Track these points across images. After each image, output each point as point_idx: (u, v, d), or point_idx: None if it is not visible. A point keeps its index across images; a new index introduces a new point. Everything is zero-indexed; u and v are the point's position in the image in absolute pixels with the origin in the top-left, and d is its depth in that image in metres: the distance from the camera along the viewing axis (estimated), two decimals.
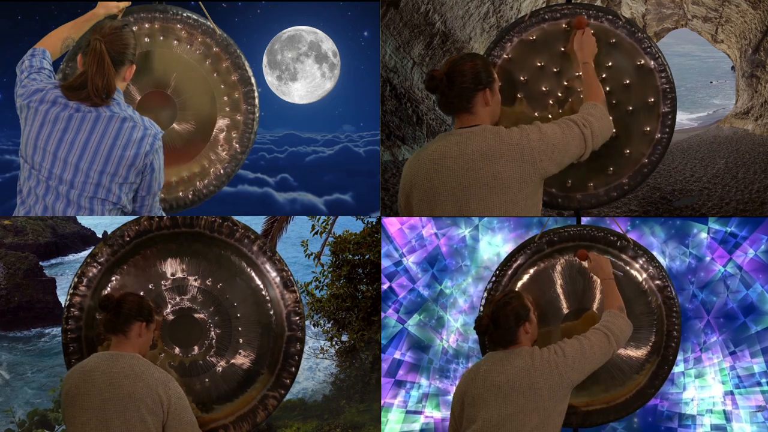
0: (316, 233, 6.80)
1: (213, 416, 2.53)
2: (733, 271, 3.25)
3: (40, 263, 15.68)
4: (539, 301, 2.68)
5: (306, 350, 2.65)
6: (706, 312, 3.28)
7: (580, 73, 2.65)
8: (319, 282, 6.94)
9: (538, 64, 2.71)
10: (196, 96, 2.77)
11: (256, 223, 7.49)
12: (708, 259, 3.26)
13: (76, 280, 2.50)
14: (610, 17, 2.67)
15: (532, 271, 2.74)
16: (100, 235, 18.00)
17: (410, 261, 3.40)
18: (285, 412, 7.80)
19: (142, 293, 2.50)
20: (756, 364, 3.26)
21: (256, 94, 2.80)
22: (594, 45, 2.62)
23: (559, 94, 2.71)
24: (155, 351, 2.51)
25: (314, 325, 7.07)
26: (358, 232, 6.77)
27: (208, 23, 2.75)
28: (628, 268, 2.70)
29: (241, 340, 2.56)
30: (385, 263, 3.41)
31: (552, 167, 2.40)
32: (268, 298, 2.59)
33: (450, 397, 3.32)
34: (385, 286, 3.41)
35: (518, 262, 2.73)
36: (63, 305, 2.53)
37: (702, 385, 3.31)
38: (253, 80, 2.80)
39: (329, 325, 7.02)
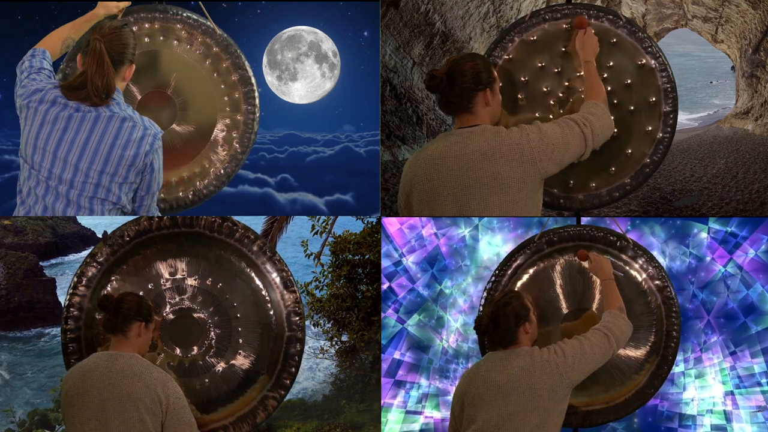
0: (316, 233, 6.80)
1: (213, 417, 2.53)
2: (734, 271, 3.25)
3: (40, 263, 15.68)
4: (539, 301, 2.68)
5: (306, 350, 2.65)
6: (706, 312, 3.28)
7: (581, 73, 2.65)
8: (319, 282, 6.94)
9: (539, 65, 2.71)
10: (196, 96, 2.76)
11: (256, 223, 7.49)
12: (708, 259, 3.26)
13: (75, 280, 2.50)
14: (611, 17, 2.67)
15: (531, 271, 2.73)
16: (100, 235, 18.00)
17: (410, 261, 3.40)
18: (285, 412, 7.79)
19: (141, 293, 2.50)
20: (756, 365, 3.26)
21: (256, 94, 2.80)
22: (596, 44, 2.62)
23: (560, 94, 2.71)
24: (156, 352, 2.51)
25: (314, 325, 7.07)
26: (358, 232, 6.77)
27: (208, 23, 2.74)
28: (627, 268, 2.69)
29: (240, 341, 2.56)
30: (384, 263, 3.41)
31: (552, 167, 2.40)
32: (268, 298, 2.58)
33: (450, 398, 3.32)
34: (384, 286, 3.41)
35: (518, 262, 2.73)
36: (63, 305, 2.53)
37: (702, 385, 3.30)
38: (253, 80, 2.79)
39: (329, 325, 7.02)
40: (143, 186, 2.44)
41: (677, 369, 3.30)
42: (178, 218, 2.56)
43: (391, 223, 3.39)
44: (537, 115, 2.71)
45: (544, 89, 2.71)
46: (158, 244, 2.56)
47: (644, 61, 2.66)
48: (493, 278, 2.74)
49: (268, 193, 5.76)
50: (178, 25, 2.73)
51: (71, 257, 17.82)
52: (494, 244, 3.35)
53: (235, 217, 2.59)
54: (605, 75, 2.67)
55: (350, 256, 6.67)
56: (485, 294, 2.73)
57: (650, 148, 2.68)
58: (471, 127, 2.41)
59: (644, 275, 2.68)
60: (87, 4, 2.64)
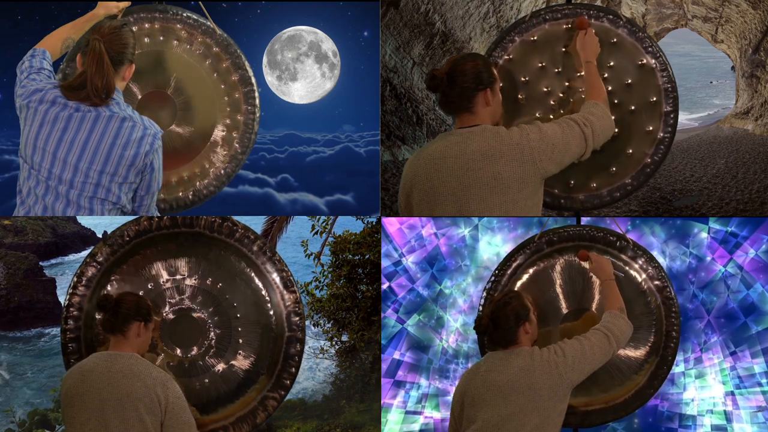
0: (316, 233, 6.80)
1: (213, 417, 2.53)
2: (734, 271, 3.25)
3: (40, 263, 15.68)
4: (538, 301, 2.68)
5: (306, 350, 2.65)
6: (706, 312, 3.28)
7: (582, 73, 2.65)
8: (319, 282, 6.94)
9: (540, 65, 2.71)
10: (197, 96, 2.76)
11: (256, 223, 7.49)
12: (708, 259, 3.26)
13: (75, 280, 2.49)
14: (611, 17, 2.67)
15: (531, 270, 2.73)
16: (100, 235, 18.00)
17: (409, 261, 3.40)
18: (285, 412, 7.79)
19: (141, 293, 2.50)
20: (756, 365, 3.25)
21: (256, 94, 2.79)
22: (597, 45, 2.62)
23: (561, 95, 2.71)
24: (155, 352, 2.51)
25: (314, 325, 7.07)
26: (358, 232, 6.77)
27: (208, 23, 2.74)
28: (627, 268, 2.69)
29: (240, 341, 2.56)
30: (384, 263, 3.41)
31: (552, 167, 2.40)
32: (267, 298, 2.58)
33: (449, 398, 3.32)
34: (384, 286, 3.41)
35: (517, 262, 2.73)
36: (63, 305, 2.53)
37: (702, 385, 3.30)
38: (253, 80, 2.79)
39: (329, 325, 7.02)
40: (143, 186, 2.44)
41: (677, 369, 3.30)
42: (178, 218, 2.56)
43: (391, 223, 3.39)
44: (538, 115, 2.71)
45: (545, 89, 2.71)
46: (158, 244, 2.56)
47: (645, 60, 2.66)
48: (493, 278, 2.74)
49: (268, 194, 5.76)
50: (178, 25, 2.73)
51: (71, 257, 17.82)
52: (494, 244, 3.35)
53: (235, 217, 2.59)
54: (606, 75, 2.67)
55: (350, 256, 6.67)
56: (485, 294, 2.73)
57: (651, 147, 2.68)
58: (471, 127, 2.41)
59: (644, 275, 2.68)
60: (87, 4, 2.64)
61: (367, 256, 6.63)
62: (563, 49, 2.69)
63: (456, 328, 3.39)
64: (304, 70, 5.44)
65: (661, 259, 3.22)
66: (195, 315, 2.55)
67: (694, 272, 3.26)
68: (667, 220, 3.29)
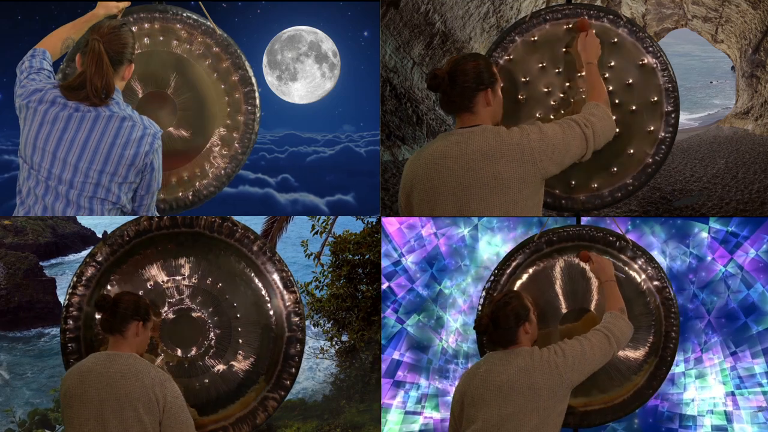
0: (316, 233, 6.80)
1: (212, 418, 2.52)
2: (734, 271, 3.24)
3: (40, 263, 15.68)
4: (538, 301, 2.68)
5: (306, 350, 2.65)
6: (706, 312, 3.27)
7: (582, 73, 2.65)
8: (319, 282, 6.94)
9: (540, 65, 2.70)
10: (196, 96, 2.76)
11: (256, 223, 7.50)
12: (709, 258, 3.25)
13: (75, 279, 2.49)
14: (611, 17, 2.67)
15: (531, 270, 2.73)
16: (100, 235, 18.00)
17: (409, 261, 3.39)
18: (285, 412, 7.79)
19: (141, 293, 2.50)
20: (757, 365, 3.25)
21: (256, 94, 2.79)
22: (598, 46, 2.62)
23: (561, 95, 2.71)
24: (155, 352, 2.51)
25: (314, 325, 7.07)
26: (358, 232, 6.77)
27: (208, 23, 2.74)
28: (626, 268, 2.69)
29: (240, 341, 2.55)
30: (384, 263, 3.40)
31: (552, 167, 2.40)
32: (267, 298, 2.58)
33: (449, 398, 3.31)
34: (384, 286, 3.40)
35: (517, 261, 2.73)
36: (62, 305, 2.53)
37: (703, 385, 3.30)
38: (253, 80, 2.79)
39: (329, 325, 7.02)
40: (143, 185, 2.44)
41: (678, 369, 3.30)
42: (178, 218, 2.56)
43: (391, 223, 3.39)
44: (538, 115, 2.71)
45: (545, 89, 2.71)
46: (158, 244, 2.56)
47: (645, 60, 2.66)
48: (492, 278, 2.73)
49: (269, 194, 5.76)
50: (178, 25, 2.73)
51: (71, 257, 17.82)
52: (494, 244, 3.34)
53: (235, 217, 2.59)
54: (606, 75, 2.67)
55: (350, 256, 6.67)
56: (484, 293, 2.73)
57: (652, 147, 2.68)
58: (472, 127, 2.40)
59: (643, 276, 2.68)
60: (87, 4, 2.64)
61: (367, 256, 6.63)
62: (564, 50, 2.69)
63: (456, 328, 3.39)
64: (304, 70, 5.44)
65: (661, 259, 3.22)
66: (195, 315, 2.55)
67: (695, 272, 3.26)
68: (668, 220, 3.29)
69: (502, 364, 2.41)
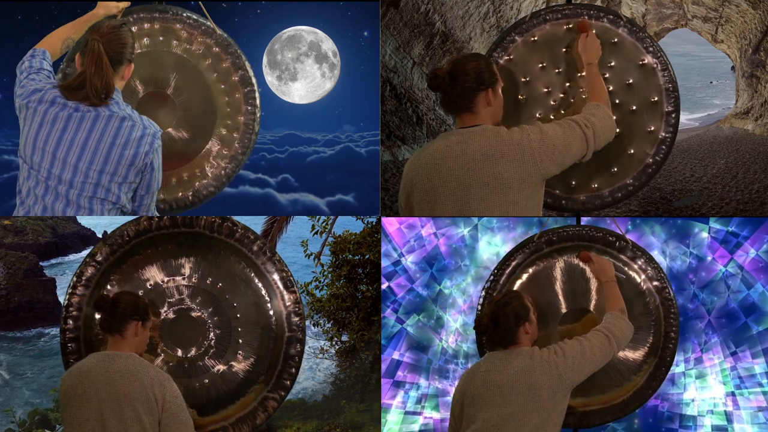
0: (316, 233, 6.80)
1: (212, 418, 2.52)
2: (735, 270, 3.24)
3: (40, 263, 15.67)
4: (537, 301, 2.68)
5: (306, 350, 2.65)
6: (707, 312, 3.27)
7: (583, 73, 2.65)
8: (319, 282, 6.94)
9: (540, 65, 2.70)
10: (196, 96, 2.76)
11: (256, 223, 7.49)
12: (709, 258, 3.25)
13: (74, 279, 2.49)
14: (611, 17, 2.67)
15: (530, 270, 2.73)
16: (100, 235, 17.99)
17: (409, 261, 3.39)
18: (285, 412, 7.79)
19: (141, 293, 2.50)
20: (757, 365, 3.25)
21: (257, 94, 2.79)
22: (598, 47, 2.62)
23: (562, 95, 2.71)
24: (155, 352, 2.51)
25: (314, 325, 7.07)
26: (358, 232, 6.77)
27: (208, 23, 2.74)
28: (626, 269, 2.69)
29: (240, 341, 2.55)
30: (383, 263, 3.40)
31: (553, 168, 2.40)
32: (267, 298, 2.58)
33: (449, 398, 3.31)
34: (383, 286, 3.40)
35: (516, 261, 2.72)
36: (62, 305, 2.53)
37: (703, 385, 3.30)
38: (254, 80, 2.79)
39: (329, 325, 7.02)
40: (143, 185, 2.44)
41: (678, 369, 3.30)
42: (178, 218, 2.56)
43: (391, 223, 3.39)
44: (538, 115, 2.71)
45: (545, 89, 2.71)
46: (158, 244, 2.55)
47: (645, 60, 2.66)
48: (492, 277, 2.73)
49: (269, 194, 5.76)
50: (178, 25, 2.72)
51: (71, 257, 17.81)
52: (494, 244, 3.34)
53: (235, 217, 2.59)
54: (606, 75, 2.67)
55: (350, 256, 6.67)
56: (483, 293, 2.73)
57: (652, 147, 2.68)
58: (472, 127, 2.40)
59: (643, 276, 2.68)
60: (87, 4, 2.64)
61: (367, 256, 6.63)
62: (564, 50, 2.69)
63: (456, 329, 3.38)
64: (304, 70, 5.44)
65: (661, 259, 3.22)
66: (195, 315, 2.55)
67: (695, 272, 3.26)
68: (668, 220, 3.28)
69: (502, 364, 2.41)
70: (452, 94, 2.43)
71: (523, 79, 2.71)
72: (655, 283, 2.67)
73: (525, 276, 2.73)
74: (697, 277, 3.26)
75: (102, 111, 2.35)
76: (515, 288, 2.71)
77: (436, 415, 3.39)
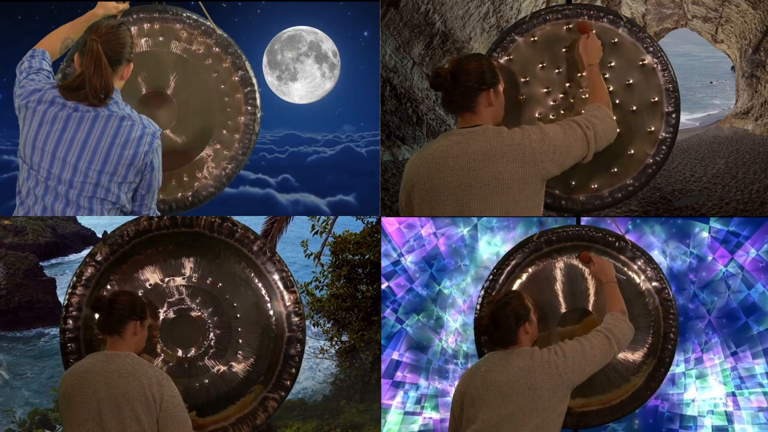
0: (316, 233, 6.80)
1: (213, 418, 2.52)
2: (735, 270, 3.24)
3: (40, 263, 15.66)
4: (537, 301, 2.67)
5: (306, 350, 2.64)
6: (707, 312, 3.27)
7: (584, 74, 2.65)
8: (319, 282, 6.94)
9: (540, 65, 2.70)
10: (196, 97, 2.76)
11: (256, 223, 7.49)
12: (709, 258, 3.25)
13: (74, 279, 2.49)
14: (611, 17, 2.67)
15: (530, 270, 2.73)
16: (100, 235, 17.99)
17: (408, 261, 3.39)
18: (285, 412, 7.79)
19: (141, 293, 2.50)
20: (758, 365, 3.25)
21: (257, 95, 2.79)
22: (599, 48, 2.62)
23: (562, 95, 2.70)
24: (154, 352, 2.51)
25: (314, 325, 7.07)
26: (358, 232, 6.77)
27: (208, 23, 2.74)
28: (625, 269, 2.69)
29: (240, 341, 2.55)
30: (383, 263, 3.40)
31: (553, 168, 2.40)
32: (267, 298, 2.58)
33: (449, 398, 3.31)
34: (383, 286, 3.40)
35: (515, 261, 2.72)
36: (62, 305, 2.53)
37: (703, 385, 3.30)
38: (254, 80, 2.78)
39: (329, 325, 7.02)
40: (143, 185, 2.44)
41: (678, 369, 3.30)
42: (178, 218, 2.56)
43: (391, 223, 3.39)
44: (538, 115, 2.71)
45: (545, 89, 2.71)
46: (158, 244, 2.55)
47: (646, 60, 2.65)
48: (491, 277, 2.73)
49: (269, 194, 5.76)
50: (178, 25, 2.72)
51: (71, 257, 17.80)
52: (494, 244, 3.34)
53: (235, 217, 2.59)
54: (606, 75, 2.67)
55: (350, 256, 6.67)
56: (482, 293, 2.72)
57: (653, 148, 2.68)
58: (473, 127, 2.40)
59: (642, 277, 2.68)
60: (87, 4, 2.63)
61: (367, 256, 6.63)
62: (564, 50, 2.69)
63: (455, 329, 3.38)
64: (304, 70, 5.44)
65: (661, 259, 3.22)
66: (194, 315, 2.55)
67: (695, 272, 3.26)
68: (668, 220, 3.28)
69: (502, 364, 2.40)
70: (454, 93, 2.43)
71: (523, 79, 2.71)
72: (655, 283, 2.67)
73: (524, 276, 2.73)
74: (697, 277, 3.26)
75: (101, 111, 2.35)
76: (514, 288, 2.71)
77: (436, 416, 3.39)
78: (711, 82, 32.52)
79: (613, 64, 2.67)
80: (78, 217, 18.49)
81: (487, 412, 2.36)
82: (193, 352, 2.53)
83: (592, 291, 2.69)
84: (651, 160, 2.68)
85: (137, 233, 2.53)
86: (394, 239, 3.39)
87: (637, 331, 2.64)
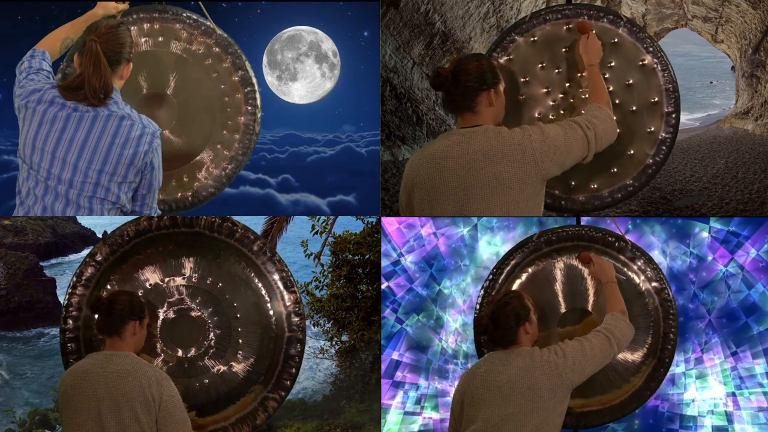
0: (316, 233, 6.80)
1: (213, 418, 2.52)
2: (735, 270, 3.24)
3: (40, 263, 15.66)
4: (537, 301, 2.67)
5: (306, 350, 2.64)
6: (707, 312, 3.27)
7: (584, 74, 2.65)
8: (319, 282, 6.94)
9: (540, 65, 2.70)
10: (196, 97, 2.75)
11: (256, 223, 7.49)
12: (709, 258, 3.25)
13: (74, 279, 2.49)
14: (611, 17, 2.67)
15: (529, 270, 2.73)
16: (100, 235, 17.98)
17: (408, 261, 3.39)
18: (285, 412, 7.79)
19: (141, 293, 2.50)
20: (758, 365, 3.25)
21: (257, 95, 2.79)
22: (599, 48, 2.62)
23: (561, 95, 2.70)
24: (154, 352, 2.51)
25: (314, 325, 7.07)
26: (358, 232, 6.77)
27: (208, 23, 2.74)
28: (625, 269, 2.69)
29: (240, 341, 2.55)
30: (383, 263, 3.40)
31: (554, 168, 2.40)
32: (267, 298, 2.58)
33: (449, 399, 3.31)
34: (383, 286, 3.40)
35: (515, 261, 2.72)
36: (62, 305, 2.53)
37: (703, 386, 3.30)
38: (254, 80, 2.78)
39: (329, 325, 7.02)
40: (144, 185, 2.44)
41: (678, 369, 3.30)
42: (177, 218, 2.56)
43: (391, 223, 3.38)
44: (537, 115, 2.71)
45: (545, 89, 2.71)
46: (158, 244, 2.55)
47: (645, 60, 2.65)
48: (491, 276, 2.73)
49: (270, 195, 5.76)
50: (178, 25, 2.72)
51: (71, 257, 17.80)
52: (494, 244, 3.34)
53: (235, 217, 2.59)
54: (606, 75, 2.67)
55: (350, 256, 6.67)
56: (482, 292, 2.72)
57: (652, 148, 2.67)
58: (473, 127, 2.40)
59: (642, 277, 2.68)
60: (87, 4, 2.63)
61: (367, 256, 6.63)
62: (564, 50, 2.69)
63: (455, 329, 3.38)
64: (304, 70, 5.44)
65: (661, 259, 3.22)
66: (194, 315, 2.55)
67: (695, 272, 3.26)
68: (668, 220, 3.28)
69: (502, 364, 2.40)
70: (454, 93, 2.43)
71: (522, 79, 2.71)
72: (654, 284, 2.67)
73: (524, 276, 2.72)
74: (697, 277, 3.26)
75: (101, 110, 2.35)
76: (514, 288, 2.71)
77: (436, 416, 3.39)
78: (711, 82, 32.52)
79: (612, 64, 2.67)
80: (78, 217, 18.49)
81: (487, 412, 2.36)
82: (193, 352, 2.53)
83: (591, 291, 2.69)
84: (651, 161, 2.68)
85: (137, 233, 2.53)
86: (394, 239, 3.39)
87: (636, 331, 2.63)
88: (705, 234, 3.24)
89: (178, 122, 2.76)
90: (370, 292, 6.61)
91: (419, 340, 3.39)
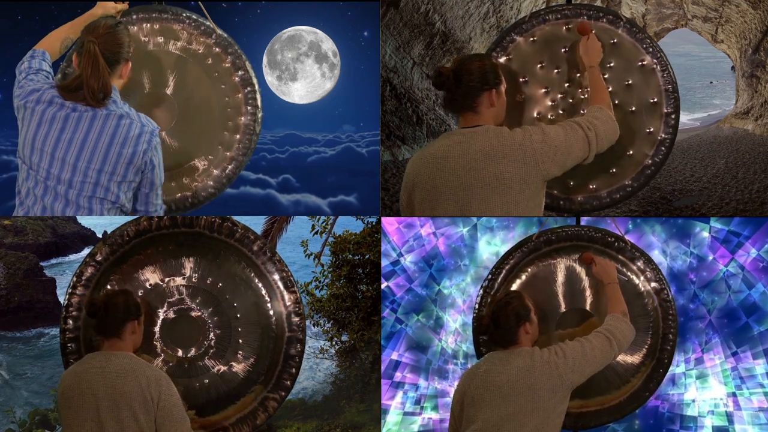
0: (316, 233, 6.80)
1: (213, 418, 2.52)
2: (735, 270, 3.24)
3: (40, 263, 15.66)
4: (537, 301, 2.67)
5: (306, 350, 2.64)
6: (707, 312, 3.27)
7: (584, 74, 2.65)
8: (319, 282, 6.94)
9: (540, 65, 2.70)
10: (196, 97, 2.75)
11: (256, 223, 7.49)
12: (710, 258, 3.25)
13: (74, 279, 2.49)
14: (611, 17, 2.67)
15: (529, 270, 2.73)
16: (100, 235, 17.98)
17: (408, 260, 3.39)
18: (285, 412, 7.79)
19: (141, 293, 2.50)
20: (758, 365, 3.25)
21: (258, 95, 2.78)
22: (599, 49, 2.62)
23: (561, 95, 2.70)
24: (154, 352, 2.51)
25: (314, 325, 7.07)
26: (358, 232, 6.77)
27: (208, 23, 2.73)
28: (625, 269, 2.69)
29: (240, 341, 2.55)
30: (382, 263, 3.40)
31: (554, 169, 2.40)
32: (267, 298, 2.58)
33: (448, 399, 3.31)
34: (382, 286, 3.40)
35: (514, 261, 2.72)
36: (62, 305, 2.53)
37: (704, 386, 3.30)
38: (254, 80, 2.78)
39: (329, 325, 7.02)
40: (146, 183, 2.44)
41: (678, 370, 3.29)
42: (178, 218, 2.56)
43: (391, 223, 3.38)
44: (537, 115, 2.71)
45: (545, 89, 2.71)
46: (158, 244, 2.55)
47: (645, 61, 2.65)
48: (490, 276, 2.73)
49: (270, 195, 5.76)
50: (178, 25, 2.72)
51: (71, 257, 17.80)
52: (493, 244, 3.34)
53: (235, 217, 2.59)
54: (606, 75, 2.67)
55: (350, 256, 6.67)
56: (481, 292, 2.72)
57: (651, 149, 2.67)
58: (474, 127, 2.41)
59: (642, 277, 2.68)
60: (87, 4, 2.63)
61: (367, 256, 6.63)
62: (564, 50, 2.69)
63: (455, 329, 3.38)
64: (304, 70, 5.44)
65: (661, 259, 3.22)
66: (194, 315, 2.55)
67: (696, 272, 3.26)
68: (668, 220, 3.28)
69: (503, 364, 2.40)
70: (456, 93, 2.43)
71: (522, 79, 2.71)
72: (654, 284, 2.67)
73: (524, 276, 2.72)
74: (697, 277, 3.26)
75: (99, 110, 2.35)
76: (513, 288, 2.71)
77: (436, 416, 3.39)
78: (711, 82, 32.52)
79: (612, 64, 2.67)
80: (78, 217, 18.49)
81: (487, 412, 2.36)
82: (193, 352, 2.53)
83: (592, 291, 2.69)
84: (650, 161, 2.68)
85: (137, 233, 2.53)
86: (394, 239, 3.39)
87: (636, 331, 2.64)
88: (705, 234, 3.24)
89: (178, 123, 2.75)
90: (370, 292, 6.61)
91: (419, 340, 3.39)
